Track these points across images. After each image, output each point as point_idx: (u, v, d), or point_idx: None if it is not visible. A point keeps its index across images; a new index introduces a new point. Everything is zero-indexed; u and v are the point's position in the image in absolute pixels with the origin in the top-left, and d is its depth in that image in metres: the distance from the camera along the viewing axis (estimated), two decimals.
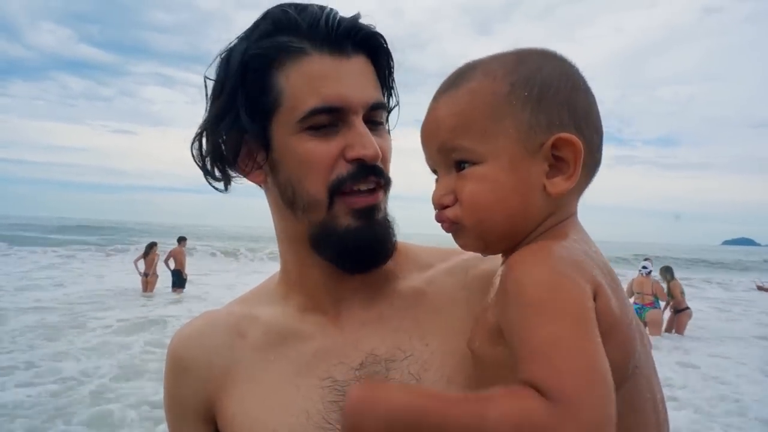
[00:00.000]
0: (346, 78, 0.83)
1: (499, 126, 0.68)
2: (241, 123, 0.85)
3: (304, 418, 0.83)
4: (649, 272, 10.84)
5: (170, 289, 13.91)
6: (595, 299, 0.59)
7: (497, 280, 0.70)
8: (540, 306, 0.58)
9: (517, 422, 0.53)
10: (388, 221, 0.90)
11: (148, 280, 14.00)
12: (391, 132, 0.94)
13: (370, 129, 0.85)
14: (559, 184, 0.68)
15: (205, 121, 0.90)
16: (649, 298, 10.51)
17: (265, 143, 0.86)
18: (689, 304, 11.15)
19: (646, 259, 11.75)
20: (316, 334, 0.91)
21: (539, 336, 0.57)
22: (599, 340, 0.56)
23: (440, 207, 0.72)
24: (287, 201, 0.88)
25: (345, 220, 0.85)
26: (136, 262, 14.42)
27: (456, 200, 0.70)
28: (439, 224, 0.74)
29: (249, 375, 0.90)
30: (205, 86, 0.90)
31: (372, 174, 0.85)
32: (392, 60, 0.92)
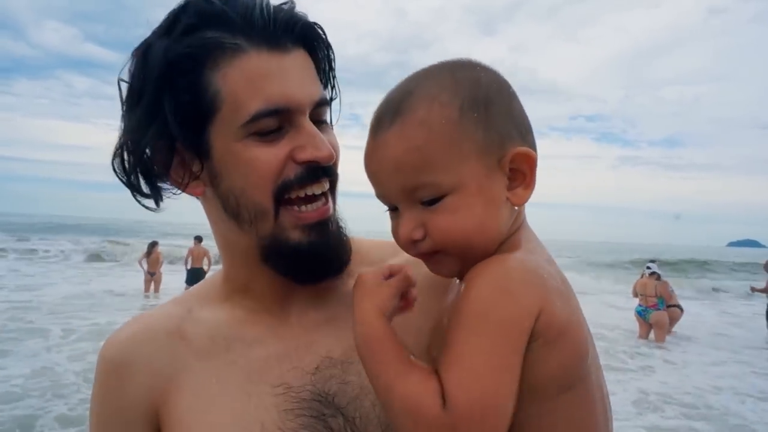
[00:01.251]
0: (289, 75, 0.77)
1: (459, 154, 0.67)
2: (170, 131, 0.76)
3: (258, 429, 0.77)
4: (652, 273, 10.82)
5: (184, 289, 13.80)
6: (541, 313, 0.62)
7: (455, 286, 0.71)
8: (476, 319, 0.62)
9: (410, 408, 0.61)
10: (340, 228, 0.85)
11: (154, 279, 14.06)
12: (334, 126, 0.88)
13: (317, 127, 0.80)
14: (521, 194, 0.70)
15: (125, 131, 0.80)
16: (653, 300, 10.47)
17: (202, 151, 0.78)
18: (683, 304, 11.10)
19: (651, 261, 11.69)
20: (266, 337, 0.85)
21: (463, 346, 0.62)
22: (516, 361, 0.61)
23: (411, 242, 0.70)
24: (231, 212, 0.80)
25: (294, 235, 0.80)
26: (140, 261, 14.50)
27: (425, 233, 0.69)
28: (415, 255, 0.73)
29: (194, 384, 0.82)
30: (120, 89, 0.81)
31: (324, 175, 0.80)
32: (332, 51, 0.85)
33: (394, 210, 0.73)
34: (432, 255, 0.71)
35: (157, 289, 13.98)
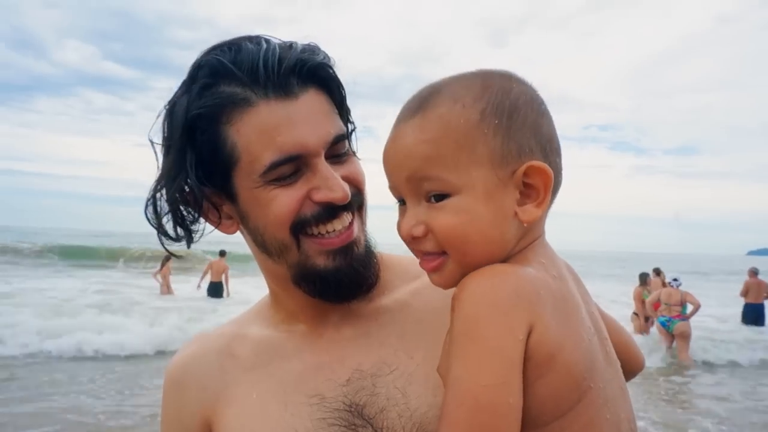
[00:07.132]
0: (299, 122, 0.80)
1: (473, 155, 0.66)
2: (197, 180, 0.83)
3: None
4: (680, 285, 10.62)
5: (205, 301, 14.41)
6: (531, 331, 0.60)
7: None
8: (464, 338, 0.61)
9: None
10: (368, 250, 0.89)
11: (163, 285, 14.84)
12: (357, 154, 0.92)
13: (335, 162, 0.84)
14: (530, 212, 0.68)
15: (156, 183, 0.87)
16: (677, 309, 10.29)
17: (230, 196, 0.86)
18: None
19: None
20: (303, 352, 0.92)
21: (453, 372, 0.61)
22: (513, 375, 0.59)
23: (409, 238, 0.70)
24: (260, 246, 0.88)
25: (320, 261, 0.84)
26: (155, 275, 15.14)
27: (427, 232, 0.69)
28: (419, 258, 0.73)
29: (239, 396, 0.90)
30: (153, 146, 0.87)
31: (343, 211, 0.83)
32: (342, 88, 0.89)
33: (403, 204, 0.73)
34: (433, 259, 0.70)
35: (163, 292, 14.69)
